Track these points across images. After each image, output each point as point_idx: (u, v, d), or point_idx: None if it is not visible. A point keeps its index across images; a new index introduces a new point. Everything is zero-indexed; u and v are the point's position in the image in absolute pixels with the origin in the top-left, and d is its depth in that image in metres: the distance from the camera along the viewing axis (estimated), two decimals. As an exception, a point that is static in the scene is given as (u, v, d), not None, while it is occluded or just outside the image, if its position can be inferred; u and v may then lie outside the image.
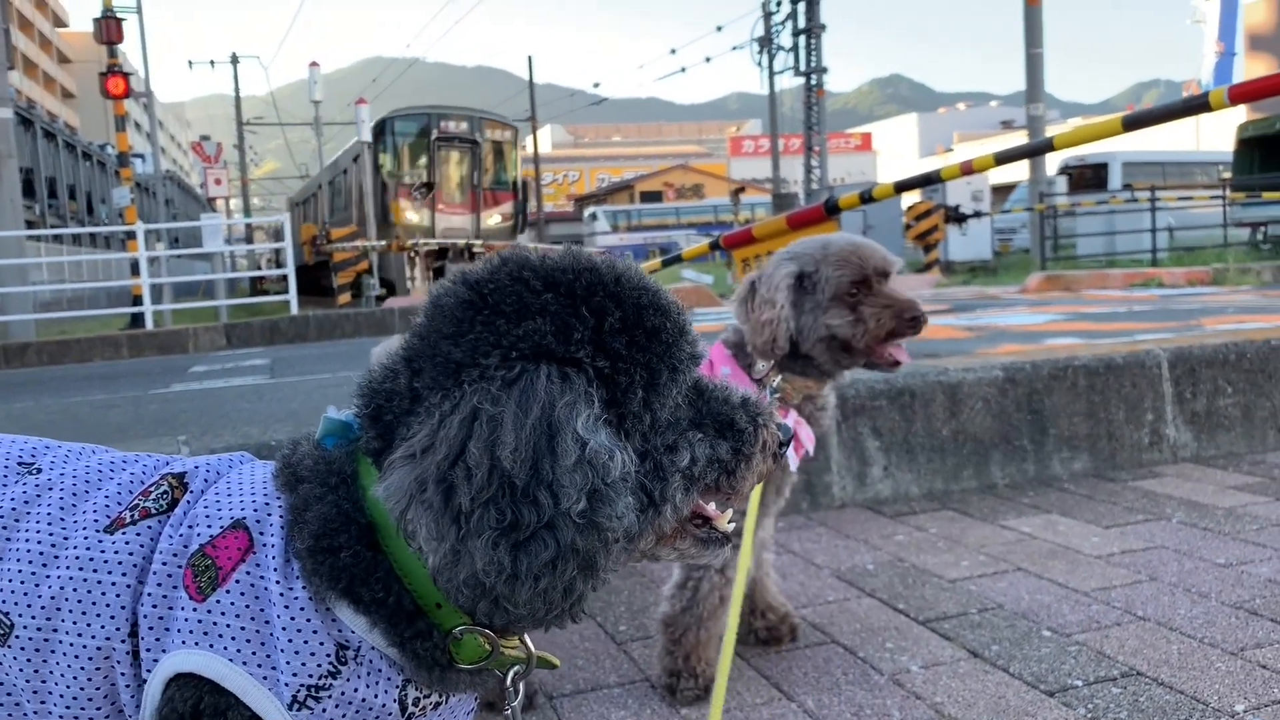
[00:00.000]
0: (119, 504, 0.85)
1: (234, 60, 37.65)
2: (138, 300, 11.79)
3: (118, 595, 0.80)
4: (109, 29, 12.22)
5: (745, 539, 1.47)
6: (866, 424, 2.79)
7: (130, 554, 0.81)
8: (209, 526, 0.81)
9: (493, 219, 19.31)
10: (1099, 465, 3.02)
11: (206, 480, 0.87)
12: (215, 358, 8.42)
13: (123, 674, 0.80)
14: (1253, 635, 1.78)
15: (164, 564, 0.80)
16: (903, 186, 5.24)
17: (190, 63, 41.36)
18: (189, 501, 0.85)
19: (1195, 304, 5.89)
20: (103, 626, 0.79)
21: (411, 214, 18.34)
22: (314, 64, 28.06)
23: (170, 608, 0.79)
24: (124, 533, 0.83)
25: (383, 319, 10.26)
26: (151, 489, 0.86)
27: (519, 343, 0.76)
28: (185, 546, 0.81)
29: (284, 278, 12.12)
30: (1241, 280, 10.17)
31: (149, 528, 0.83)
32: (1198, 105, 3.71)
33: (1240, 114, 21.26)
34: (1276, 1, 44.68)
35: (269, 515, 0.81)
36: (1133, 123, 3.99)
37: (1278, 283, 10.25)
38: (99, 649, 0.80)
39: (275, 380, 5.61)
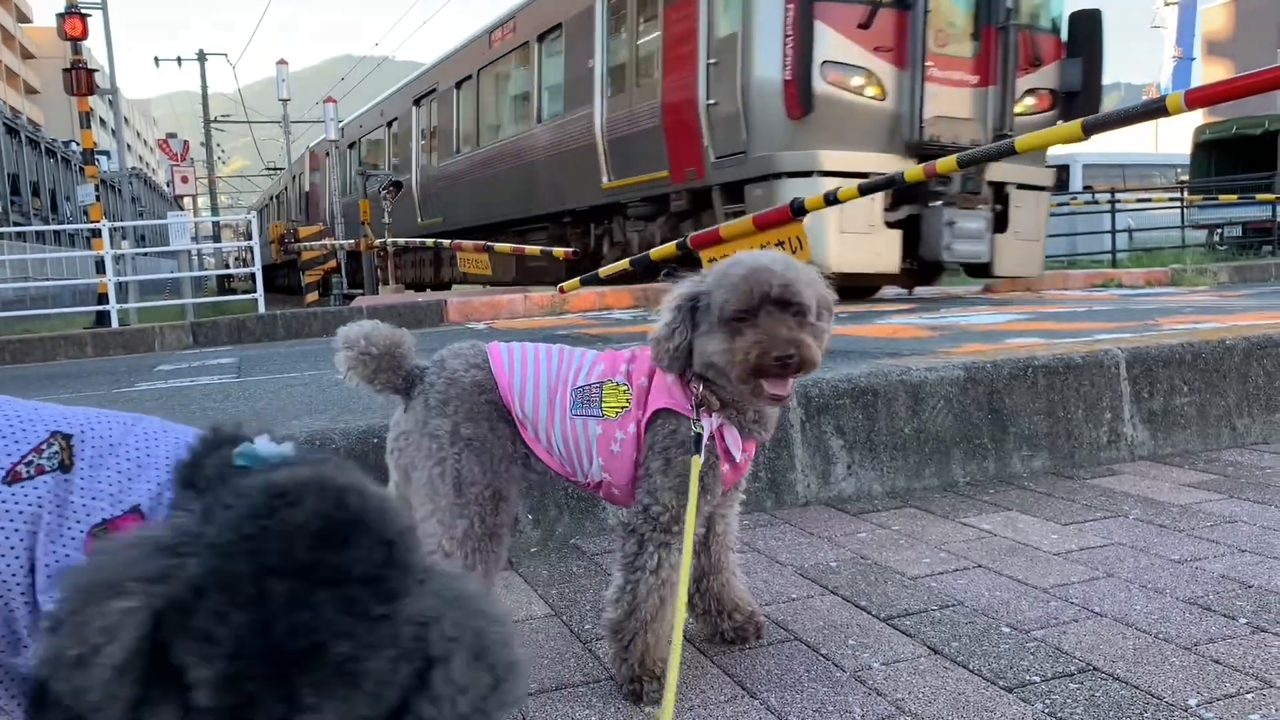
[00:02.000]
0: (8, 456, 0.89)
1: (201, 57, 37.26)
2: (103, 298, 11.66)
3: (21, 540, 0.86)
4: (72, 24, 12.06)
5: (685, 543, 1.48)
6: (830, 423, 2.82)
7: (30, 506, 0.86)
8: (112, 505, 0.86)
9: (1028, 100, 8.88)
10: (1058, 463, 3.06)
11: (99, 451, 0.92)
12: (182, 356, 8.34)
13: (20, 611, 0.86)
14: (1206, 631, 1.81)
15: (66, 523, 0.85)
16: (867, 189, 5.28)
17: (157, 59, 40.94)
18: (89, 468, 0.89)
19: (1153, 304, 5.99)
20: (7, 565, 0.84)
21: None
22: (282, 61, 27.83)
23: (69, 558, 0.83)
24: (22, 486, 0.88)
25: (351, 318, 10.19)
26: (44, 446, 0.90)
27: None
28: (88, 515, 0.85)
29: (252, 276, 12.02)
30: (1198, 281, 10.33)
31: (45, 483, 0.89)
32: (1156, 109, 3.77)
33: (1197, 118, 21.60)
34: (1233, 8, 45.45)
35: (160, 507, 0.87)
36: (1093, 126, 4.05)
37: (1233, 283, 10.42)
38: None
39: (242, 379, 5.57)
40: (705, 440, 1.59)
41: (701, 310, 1.56)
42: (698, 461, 1.57)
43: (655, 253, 7.65)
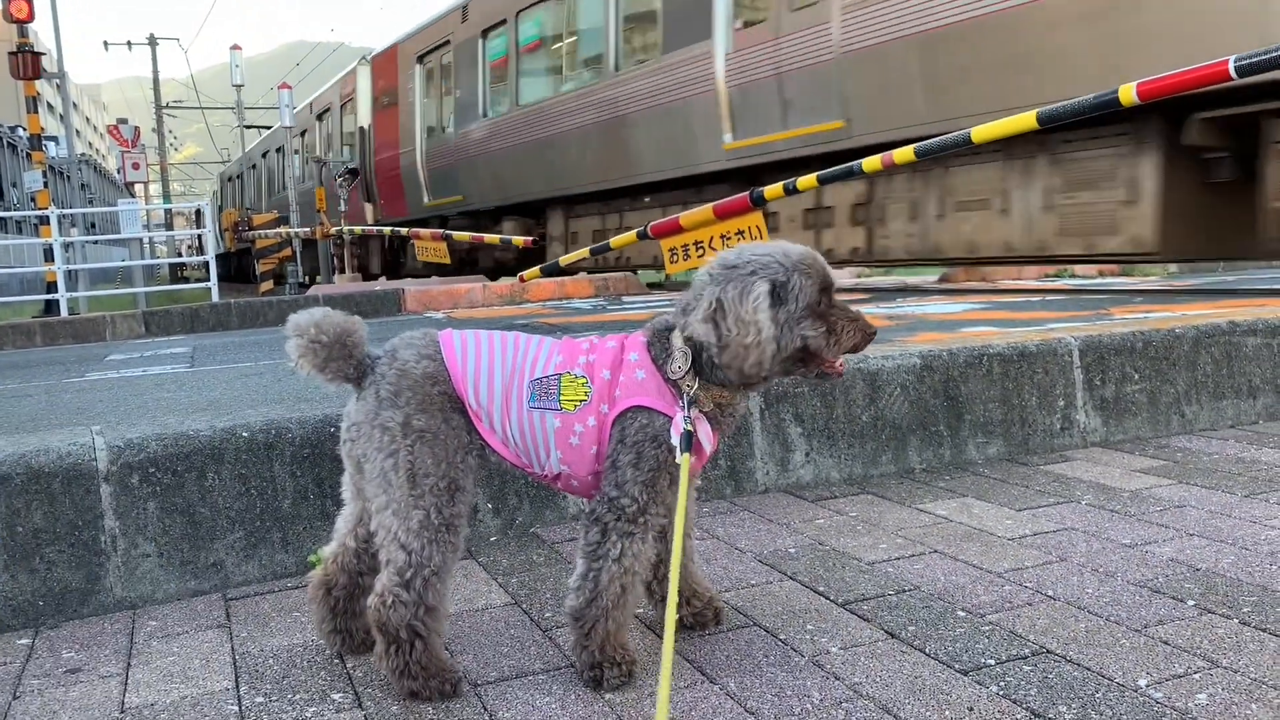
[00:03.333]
0: None
1: (152, 42, 36.60)
2: (52, 287, 11.44)
3: None
4: (18, 6, 11.79)
5: (676, 538, 1.49)
6: (789, 411, 2.83)
7: None
8: None
9: None
10: (1012, 450, 3.11)
11: None
12: (133, 345, 8.20)
13: None
14: (1155, 613, 1.85)
15: None
16: (825, 179, 5.31)
17: (106, 44, 40.17)
18: None
19: (1105, 294, 6.10)
20: None
21: None
22: (235, 47, 27.39)
23: None
24: None
25: (307, 307, 10.08)
26: None
27: None
28: None
29: (206, 264, 11.86)
30: (1149, 271, 10.51)
31: None
32: (1109, 102, 3.83)
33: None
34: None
35: None
36: (1047, 119, 4.10)
37: (1183, 273, 10.62)
38: None
39: (195, 369, 5.49)
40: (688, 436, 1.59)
41: (778, 303, 1.57)
42: (688, 460, 1.57)
43: (615, 241, 7.64)
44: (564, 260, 8.35)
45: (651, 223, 7.06)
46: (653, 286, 11.54)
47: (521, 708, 1.59)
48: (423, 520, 1.60)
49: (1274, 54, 3.30)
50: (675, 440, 1.59)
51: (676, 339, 1.64)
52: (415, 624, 1.60)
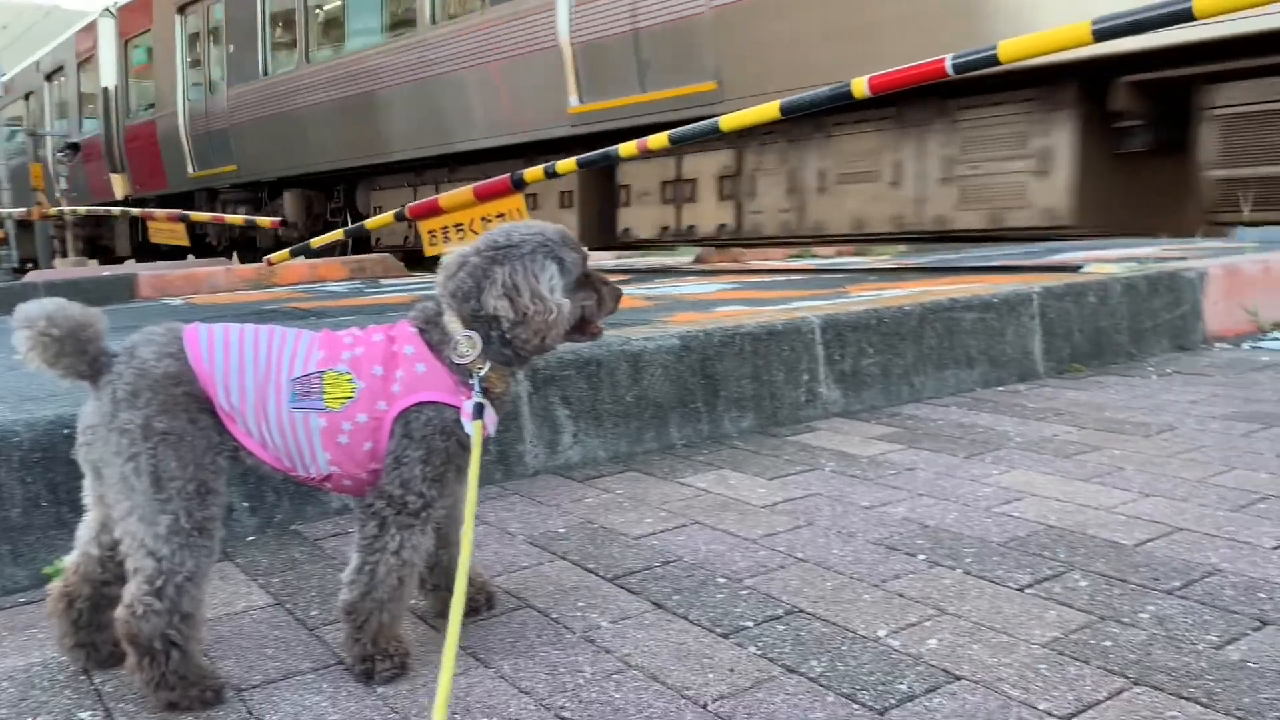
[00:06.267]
0: None
1: None
2: None
3: None
4: None
5: (467, 523, 1.49)
6: (556, 393, 2.88)
7: None
8: None
9: None
10: (763, 423, 3.30)
11: None
12: None
13: None
14: (891, 568, 2.03)
15: None
16: (584, 163, 5.38)
17: None
18: None
19: (843, 274, 6.53)
20: None
21: None
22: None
23: None
24: None
25: (27, 295, 9.18)
26: None
27: None
28: None
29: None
30: (882, 251, 11.34)
31: None
32: (842, 94, 4.09)
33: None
34: None
35: None
36: (790, 109, 4.33)
37: (910, 253, 11.52)
38: None
39: (-110, 368, 4.88)
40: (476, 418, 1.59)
41: (564, 275, 1.67)
42: (480, 427, 1.57)
43: (371, 223, 7.43)
44: (315, 243, 8.02)
45: (409, 204, 6.91)
46: (413, 269, 11.29)
47: (290, 708, 1.54)
48: (171, 525, 1.51)
49: (986, 53, 3.63)
50: (468, 426, 1.59)
51: (452, 324, 1.63)
52: (170, 633, 1.52)
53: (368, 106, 11.01)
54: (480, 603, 1.87)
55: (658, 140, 4.93)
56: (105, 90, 16.68)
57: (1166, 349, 4.46)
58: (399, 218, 6.99)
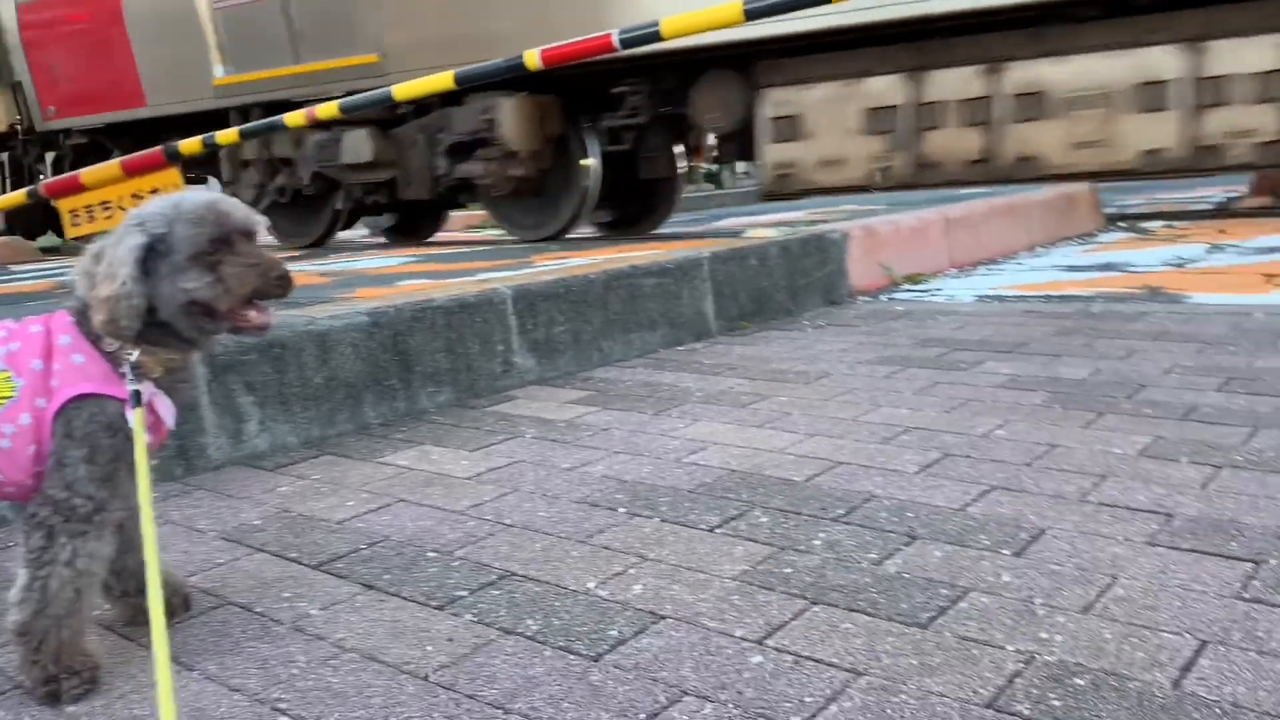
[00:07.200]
0: None
1: None
2: None
3: None
4: None
5: (146, 520, 1.39)
6: (238, 380, 2.73)
7: None
8: None
9: None
10: (461, 395, 3.31)
11: None
12: None
13: None
14: (595, 524, 2.12)
15: None
16: (247, 134, 5.08)
17: None
18: None
19: (525, 245, 6.63)
20: None
21: None
22: None
23: None
24: None
25: None
26: None
27: None
28: None
29: None
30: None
31: None
32: (515, 66, 4.13)
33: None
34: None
35: None
36: (464, 79, 4.32)
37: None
38: None
39: None
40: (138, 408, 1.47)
41: (160, 255, 1.46)
42: (140, 414, 1.45)
43: (1, 201, 6.61)
44: None
45: (44, 181, 6.21)
46: (47, 252, 10.15)
47: (-39, 747, 1.39)
48: None
49: (648, 29, 3.80)
50: (129, 416, 1.47)
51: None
52: None
53: None
54: (176, 605, 1.76)
55: (326, 110, 4.74)
56: None
57: (819, 304, 4.93)
58: (32, 196, 6.26)
